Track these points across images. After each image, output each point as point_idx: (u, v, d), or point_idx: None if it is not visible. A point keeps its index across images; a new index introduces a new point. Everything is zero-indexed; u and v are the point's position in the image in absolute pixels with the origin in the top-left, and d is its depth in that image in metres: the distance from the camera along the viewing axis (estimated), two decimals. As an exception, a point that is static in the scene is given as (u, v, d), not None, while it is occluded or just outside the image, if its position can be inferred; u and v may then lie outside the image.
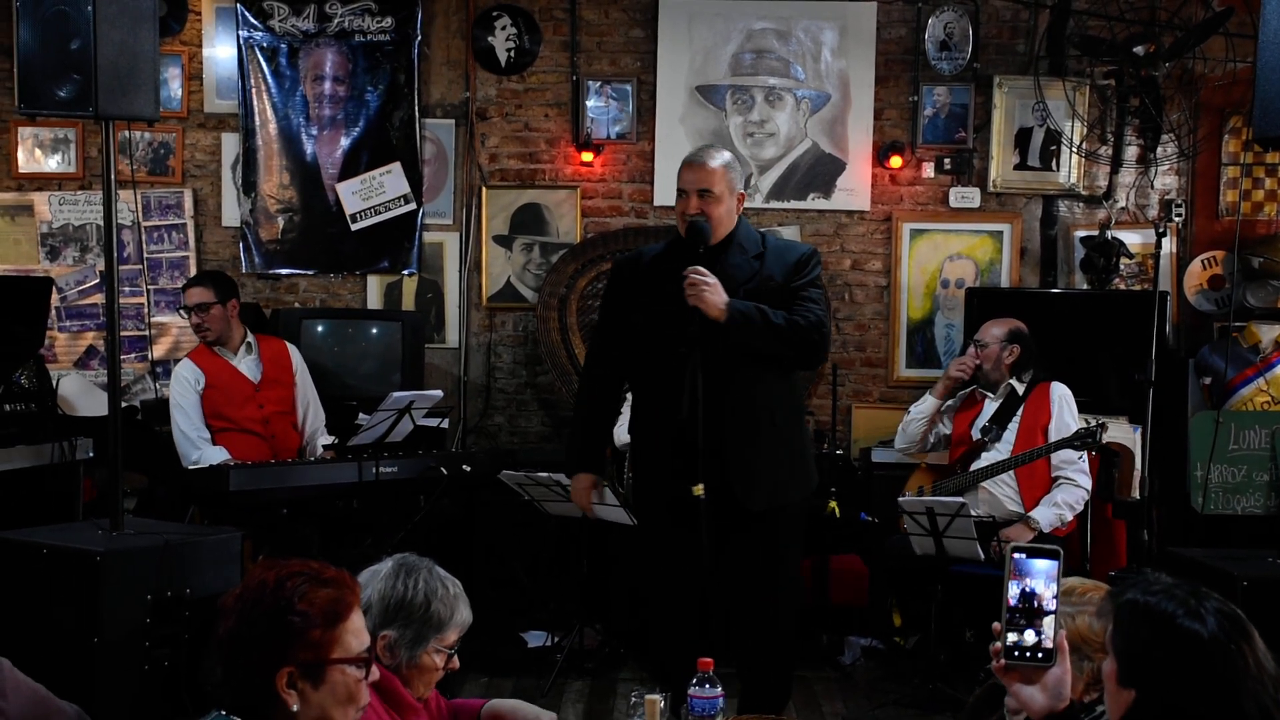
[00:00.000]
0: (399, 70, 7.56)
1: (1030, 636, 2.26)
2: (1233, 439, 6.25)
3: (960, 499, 5.44)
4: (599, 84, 7.57)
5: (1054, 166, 7.49)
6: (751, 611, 4.61)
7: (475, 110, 7.65)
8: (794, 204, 7.55)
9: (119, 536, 4.38)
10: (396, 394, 6.03)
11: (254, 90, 7.56)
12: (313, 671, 2.35)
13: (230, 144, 7.65)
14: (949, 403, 6.23)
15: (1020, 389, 6.00)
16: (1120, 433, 6.48)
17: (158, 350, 7.60)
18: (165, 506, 6.25)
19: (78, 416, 6.33)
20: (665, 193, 7.50)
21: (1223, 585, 4.41)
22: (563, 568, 6.58)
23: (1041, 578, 2.27)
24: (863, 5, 7.48)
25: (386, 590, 3.01)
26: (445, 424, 6.99)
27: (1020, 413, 5.94)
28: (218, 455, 5.83)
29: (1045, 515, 5.73)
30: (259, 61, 7.55)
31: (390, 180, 7.59)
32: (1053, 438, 5.81)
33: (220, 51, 7.63)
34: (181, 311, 6.17)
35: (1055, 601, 2.26)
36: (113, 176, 4.50)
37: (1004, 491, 5.87)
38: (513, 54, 7.60)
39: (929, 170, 7.55)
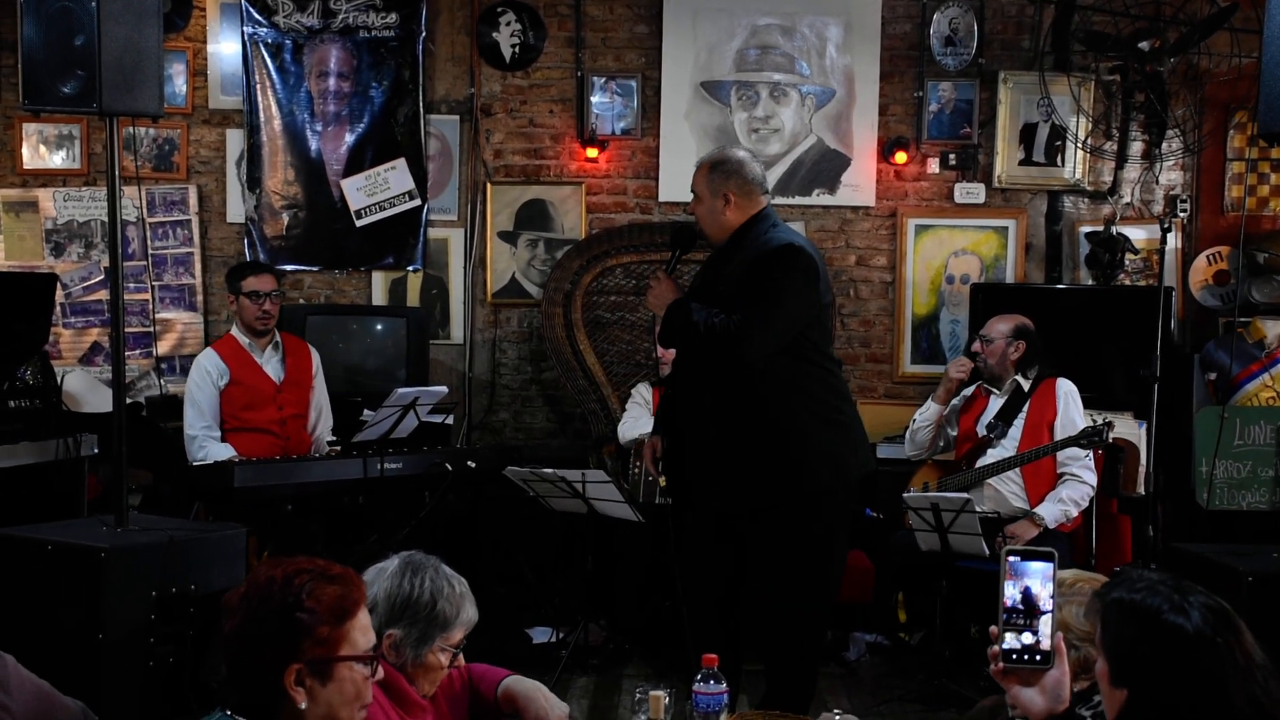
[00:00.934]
0: (404, 66, 7.56)
1: (1028, 638, 2.26)
2: (1238, 434, 6.24)
3: (965, 495, 5.44)
4: (604, 80, 7.57)
5: (1059, 162, 7.48)
6: (767, 608, 4.62)
7: (480, 106, 7.65)
8: (799, 200, 7.55)
9: (123, 533, 4.38)
10: (401, 390, 6.02)
11: (258, 86, 7.56)
12: (321, 669, 2.35)
13: (235, 140, 7.65)
14: (953, 403, 6.24)
15: (1025, 385, 5.99)
16: (1125, 428, 6.47)
17: (162, 346, 7.61)
18: (170, 503, 6.25)
19: (82, 413, 6.33)
20: (670, 189, 7.51)
21: (1228, 581, 4.41)
22: (568, 564, 6.58)
23: (1037, 579, 2.27)
24: (868, 1, 7.47)
25: (393, 588, 3.00)
26: (450, 420, 6.99)
27: (1026, 409, 5.94)
28: (224, 452, 5.84)
29: (1050, 511, 5.73)
30: (264, 57, 7.55)
31: (395, 176, 7.59)
32: (1059, 434, 5.81)
33: (225, 47, 7.63)
34: (244, 298, 5.99)
35: (1052, 603, 2.26)
36: (117, 173, 4.50)
37: (1009, 487, 5.87)
38: (517, 50, 7.60)
39: (934, 166, 7.54)
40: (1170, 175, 7.47)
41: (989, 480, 5.89)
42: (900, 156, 7.45)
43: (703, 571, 4.69)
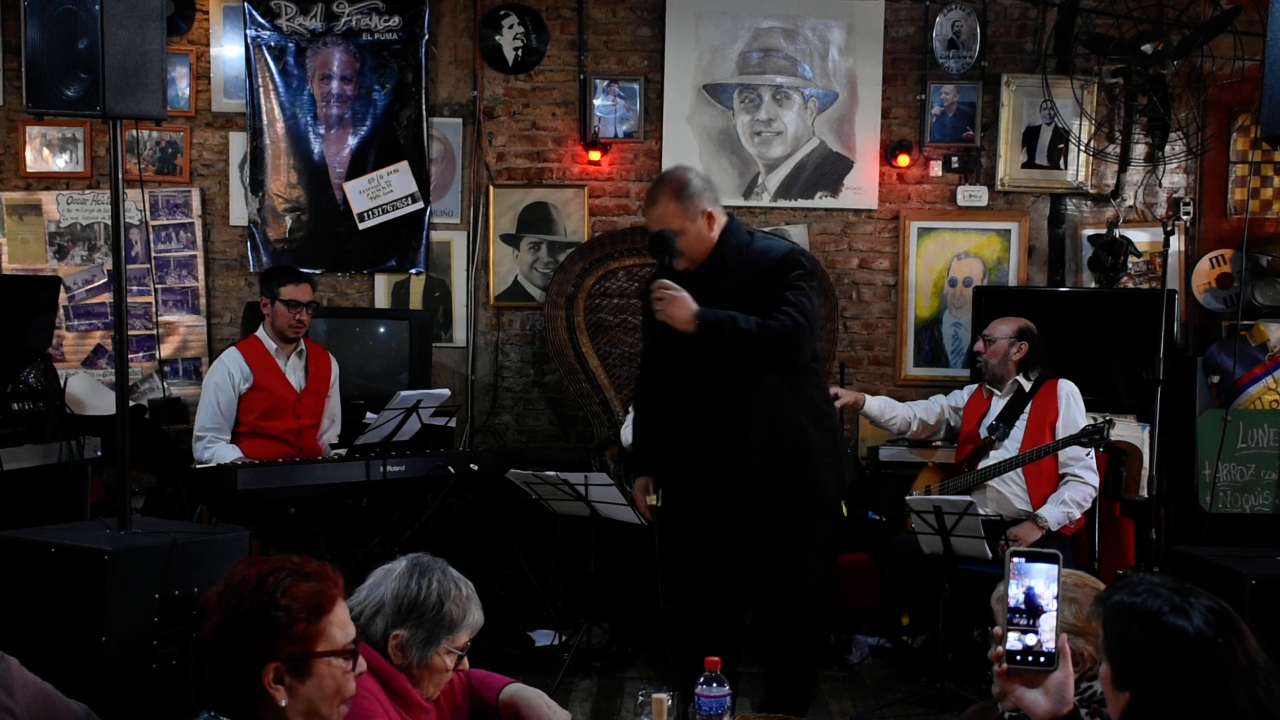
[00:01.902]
0: (406, 69, 7.57)
1: (1031, 640, 2.26)
2: (1241, 437, 6.25)
3: (968, 497, 5.43)
4: (606, 83, 7.57)
5: (1062, 165, 7.48)
6: (770, 615, 4.63)
7: (483, 109, 7.65)
8: (801, 203, 7.55)
9: (127, 535, 4.38)
10: (404, 393, 6.02)
11: (261, 89, 7.57)
12: (299, 665, 2.35)
13: (238, 143, 7.66)
14: (955, 401, 6.26)
15: (1027, 386, 5.99)
16: (1128, 431, 6.47)
17: (165, 349, 7.61)
18: (173, 505, 6.25)
19: (86, 415, 6.33)
20: (672, 191, 7.51)
21: (1231, 584, 4.40)
22: (570, 566, 6.58)
23: (1041, 581, 2.27)
24: (870, 4, 7.48)
25: (400, 590, 3.01)
26: (453, 423, 6.98)
27: (1028, 410, 5.94)
28: (229, 454, 5.84)
29: (1053, 514, 5.73)
30: (266, 61, 7.55)
31: (397, 179, 7.60)
32: (1061, 435, 5.81)
33: (228, 51, 7.64)
34: (279, 304, 5.98)
35: (1056, 604, 2.26)
36: (120, 176, 4.49)
37: (1012, 490, 5.87)
38: (520, 53, 7.60)
39: (936, 169, 7.54)
40: (1173, 178, 7.47)
41: (991, 482, 5.88)
42: (903, 159, 7.45)
43: (703, 587, 4.65)
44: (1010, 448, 5.91)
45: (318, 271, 7.62)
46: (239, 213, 7.69)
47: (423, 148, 7.59)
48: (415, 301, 7.67)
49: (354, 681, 2.44)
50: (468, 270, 7.67)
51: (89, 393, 6.62)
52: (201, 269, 7.67)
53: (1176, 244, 7.20)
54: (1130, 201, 7.48)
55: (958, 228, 7.55)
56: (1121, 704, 2.22)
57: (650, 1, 7.57)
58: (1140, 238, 7.31)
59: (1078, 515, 5.81)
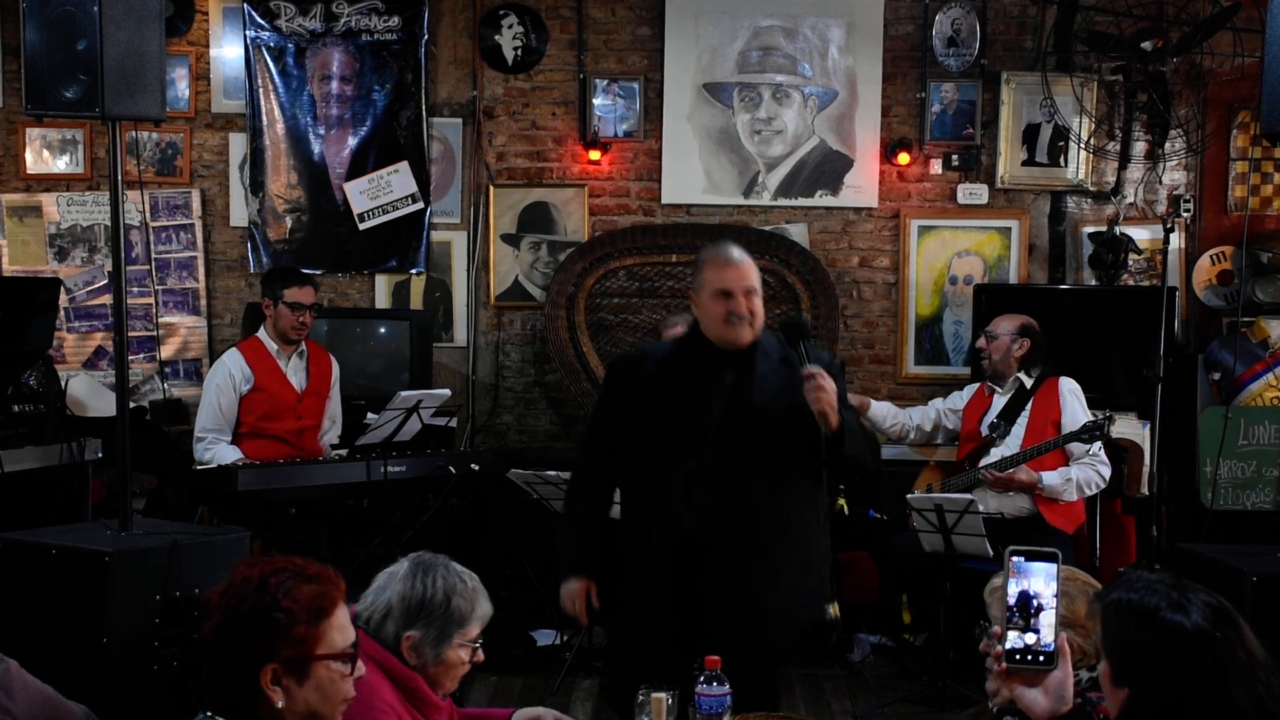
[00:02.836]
0: (406, 69, 7.57)
1: (1030, 639, 2.25)
2: (1242, 434, 6.25)
3: (969, 495, 5.44)
4: (606, 82, 7.57)
5: (1062, 162, 7.47)
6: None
7: (482, 109, 7.65)
8: (801, 201, 7.55)
9: (128, 537, 4.39)
10: (404, 393, 6.03)
11: (261, 90, 7.57)
12: (297, 668, 2.36)
13: (238, 144, 7.66)
14: (956, 400, 6.26)
15: (1029, 384, 6.00)
16: (1129, 428, 6.47)
17: (166, 350, 7.61)
18: (174, 506, 6.25)
19: (86, 417, 6.33)
20: (672, 191, 7.52)
21: (1232, 581, 4.39)
22: (571, 566, 6.57)
23: (1041, 579, 2.26)
24: (870, 1, 7.47)
25: (406, 591, 3.01)
26: (453, 423, 6.98)
27: (1029, 408, 5.95)
28: (230, 455, 5.84)
29: (1052, 480, 5.74)
30: (266, 61, 7.55)
31: (398, 179, 7.60)
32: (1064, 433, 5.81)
33: (227, 51, 7.64)
34: (282, 306, 5.94)
35: (1055, 602, 2.25)
36: (120, 177, 4.50)
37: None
38: (520, 52, 7.60)
39: (937, 167, 7.54)
40: (1173, 175, 7.46)
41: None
42: (903, 157, 7.44)
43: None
44: (1012, 445, 5.91)
45: (318, 272, 7.61)
46: (239, 214, 7.69)
47: (423, 148, 7.59)
48: (416, 302, 7.67)
49: (353, 685, 2.44)
50: (468, 270, 7.67)
51: (90, 394, 6.62)
52: (202, 270, 7.67)
53: (1177, 241, 7.19)
54: (1130, 199, 7.47)
55: (958, 226, 7.54)
56: (1120, 700, 2.22)
57: (649, 0, 7.57)
58: (1141, 235, 7.31)
59: (1074, 495, 5.78)
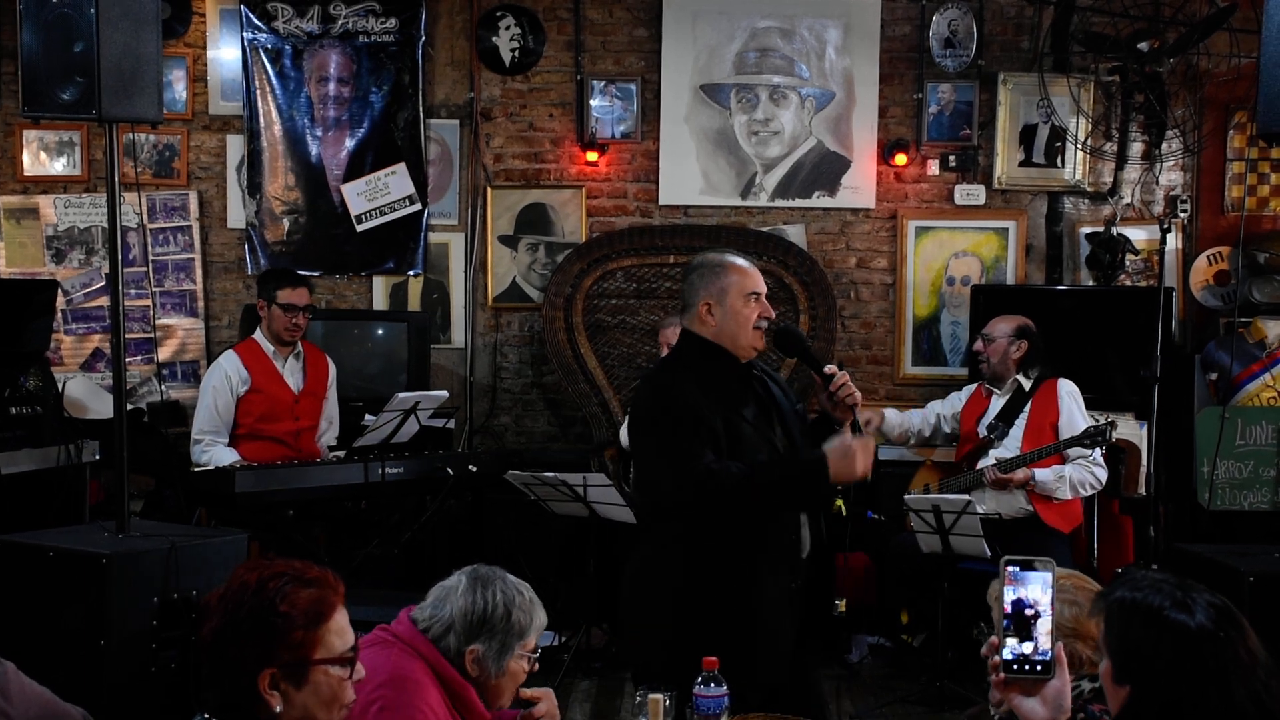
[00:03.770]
0: (403, 71, 7.57)
1: (1027, 648, 2.25)
2: (1239, 434, 6.25)
3: (966, 496, 5.44)
4: (603, 83, 7.57)
5: (1059, 163, 7.47)
6: None
7: (480, 110, 7.65)
8: (799, 202, 7.55)
9: (125, 539, 4.39)
10: (402, 394, 6.03)
11: (258, 92, 7.57)
12: (295, 672, 2.36)
13: (235, 146, 7.66)
14: (955, 402, 6.27)
15: (1027, 385, 5.99)
16: (1127, 429, 6.47)
17: (163, 352, 7.61)
18: (172, 508, 6.26)
19: (84, 419, 6.34)
20: (670, 192, 7.53)
21: (1230, 581, 4.41)
22: (570, 567, 6.57)
23: (1037, 588, 2.26)
24: (867, 2, 7.47)
25: (467, 606, 3.05)
26: (451, 424, 6.99)
27: (1027, 410, 5.94)
28: (227, 457, 5.83)
29: (1045, 476, 5.74)
30: (263, 63, 7.55)
31: (395, 181, 7.60)
32: (1063, 435, 5.80)
33: (225, 53, 7.64)
34: (276, 307, 5.95)
35: (1052, 610, 2.25)
36: (117, 179, 4.50)
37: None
38: (517, 54, 7.60)
39: (934, 167, 7.54)
40: (1170, 176, 7.47)
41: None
42: (900, 158, 7.45)
43: None
44: (1010, 446, 5.91)
45: (315, 274, 7.61)
46: (236, 215, 7.69)
47: (420, 149, 7.59)
48: (413, 303, 7.67)
49: (352, 689, 2.44)
50: (465, 271, 7.67)
51: (87, 396, 6.63)
52: (199, 272, 7.67)
53: (1174, 241, 7.19)
54: (1127, 199, 7.48)
55: (955, 226, 7.55)
56: (1121, 699, 2.22)
57: (647, 2, 7.57)
58: (1138, 235, 7.32)
59: (1067, 493, 5.78)
